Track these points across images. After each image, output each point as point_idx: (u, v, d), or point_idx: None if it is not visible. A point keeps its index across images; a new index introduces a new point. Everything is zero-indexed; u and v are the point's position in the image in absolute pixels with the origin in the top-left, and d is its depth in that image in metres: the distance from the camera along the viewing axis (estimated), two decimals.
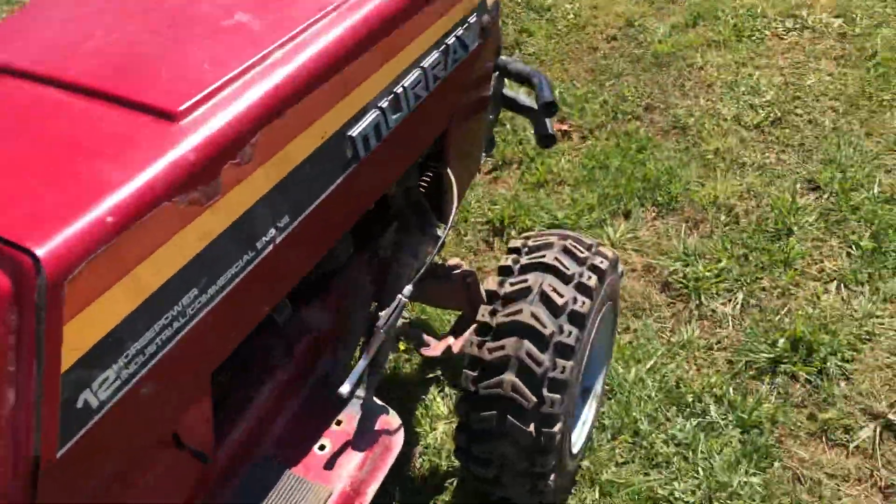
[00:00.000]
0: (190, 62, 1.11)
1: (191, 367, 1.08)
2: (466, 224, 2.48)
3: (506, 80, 1.77)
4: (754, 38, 3.23)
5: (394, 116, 1.29)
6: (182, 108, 1.03)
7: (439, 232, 1.57)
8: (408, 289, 1.36)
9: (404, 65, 1.30)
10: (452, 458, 1.84)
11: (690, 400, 1.97)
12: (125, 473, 1.06)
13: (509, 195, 2.56)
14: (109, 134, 1.01)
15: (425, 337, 1.75)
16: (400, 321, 1.36)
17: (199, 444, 1.20)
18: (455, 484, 1.84)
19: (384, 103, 1.26)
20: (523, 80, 1.73)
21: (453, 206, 1.55)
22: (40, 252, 0.85)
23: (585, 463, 1.85)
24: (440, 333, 2.02)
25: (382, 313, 1.35)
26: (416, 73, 1.32)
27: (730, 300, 2.21)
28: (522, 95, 1.85)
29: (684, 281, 2.26)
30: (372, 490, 1.35)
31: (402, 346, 2.07)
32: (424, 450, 1.91)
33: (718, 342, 2.11)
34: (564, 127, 2.83)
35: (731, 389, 1.99)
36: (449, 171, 1.56)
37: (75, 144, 1.00)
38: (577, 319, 1.50)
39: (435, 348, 1.71)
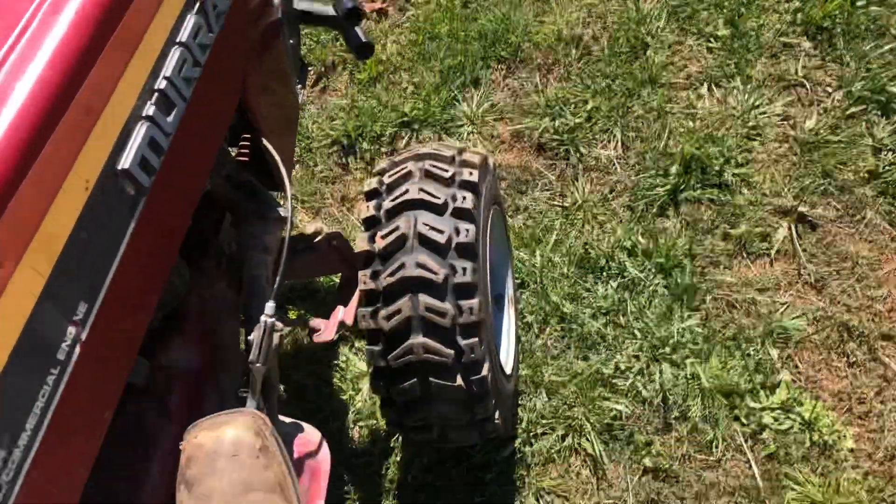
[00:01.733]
0: None
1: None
2: (312, 153, 2.22)
3: None
4: None
5: (169, 119, 1.01)
6: None
7: (281, 211, 1.33)
8: (269, 306, 1.13)
9: (156, 50, 1.01)
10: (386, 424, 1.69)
11: (604, 262, 1.85)
12: None
13: (345, 104, 2.29)
14: None
15: (313, 321, 1.54)
16: (276, 337, 1.14)
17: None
18: (400, 440, 1.71)
19: (150, 109, 0.98)
20: None
21: (283, 174, 1.30)
22: None
23: (524, 370, 1.73)
24: (327, 294, 1.82)
25: (252, 339, 1.13)
26: (176, 54, 1.03)
27: (609, 141, 2.07)
28: (317, 4, 1.57)
29: (558, 136, 2.09)
30: None
31: (292, 314, 1.86)
32: (357, 416, 1.76)
33: (612, 191, 1.98)
34: (377, 5, 2.53)
35: (640, 237, 1.88)
36: (265, 138, 1.30)
37: None
38: (467, 251, 1.32)
39: (327, 329, 1.51)
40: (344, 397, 1.79)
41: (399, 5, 2.53)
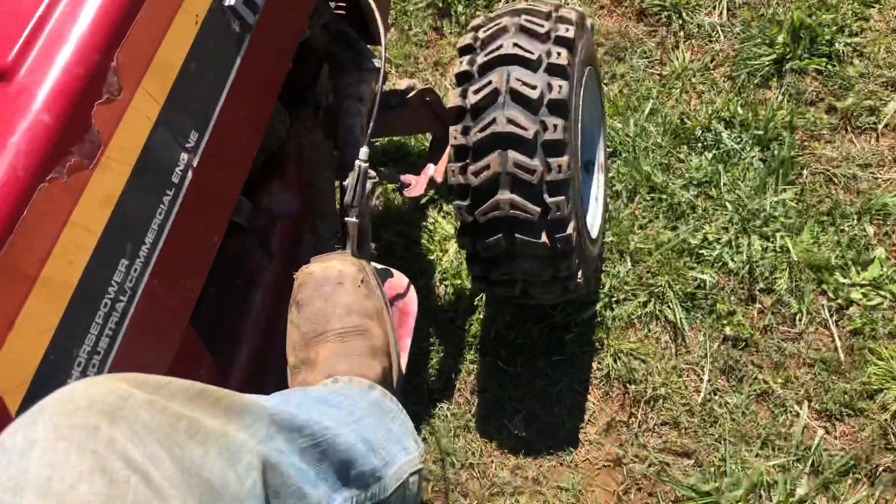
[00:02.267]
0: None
1: (160, 331, 0.95)
2: (407, 16, 2.21)
3: None
4: None
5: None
6: (10, 58, 0.81)
7: (376, 62, 1.36)
8: (364, 151, 1.17)
9: None
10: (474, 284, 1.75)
11: (700, 133, 1.82)
12: None
13: None
14: None
15: (403, 177, 1.59)
16: (369, 184, 1.19)
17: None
18: (484, 299, 1.77)
19: None
20: None
21: (379, 25, 1.32)
22: None
23: (609, 237, 1.75)
24: (419, 155, 1.85)
25: (347, 183, 1.18)
26: None
27: (714, 7, 1.98)
28: None
29: (660, 2, 2.01)
30: (403, 359, 1.26)
31: (391, 186, 1.92)
32: (443, 275, 1.82)
33: (713, 59, 1.92)
34: None
35: (739, 108, 1.82)
36: None
37: None
38: (559, 108, 1.32)
39: (417, 185, 1.55)
40: (431, 257, 1.86)
41: None
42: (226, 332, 1.23)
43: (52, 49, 0.82)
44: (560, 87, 1.32)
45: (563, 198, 1.32)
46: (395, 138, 1.98)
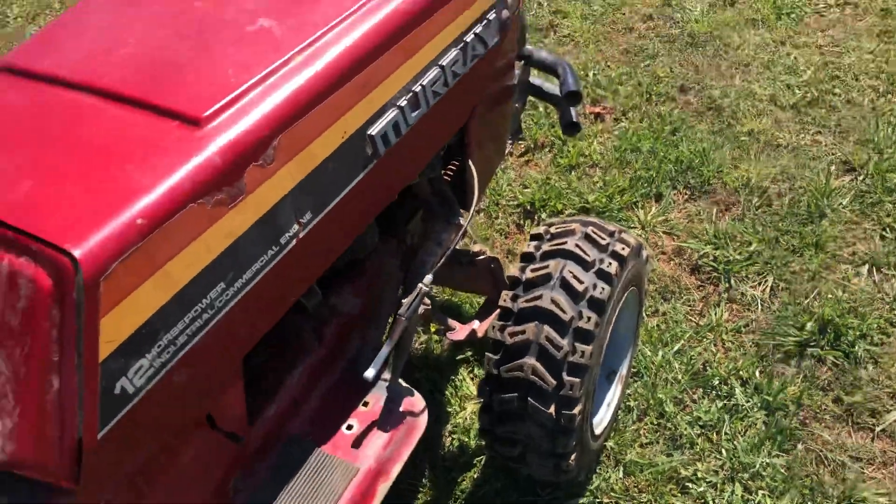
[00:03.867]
0: (216, 67, 1.18)
1: (221, 354, 1.16)
2: (498, 207, 2.53)
3: (532, 68, 1.81)
4: (794, 15, 3.18)
5: (413, 114, 1.33)
6: (206, 113, 1.09)
7: (462, 220, 1.62)
8: (428, 277, 1.41)
9: (423, 64, 1.34)
10: (479, 438, 1.90)
11: (716, 382, 2.00)
12: (162, 453, 1.15)
13: (541, 178, 2.59)
14: (139, 139, 1.08)
15: (451, 321, 1.81)
16: (422, 308, 1.42)
17: (232, 425, 1.28)
18: (483, 462, 1.91)
19: (403, 102, 1.31)
20: (549, 69, 1.76)
21: (475, 196, 1.59)
22: (77, 253, 0.93)
23: (610, 443, 1.89)
24: (469, 316, 2.07)
25: (405, 300, 1.41)
26: (434, 72, 1.36)
27: (759, 283, 2.22)
28: (548, 83, 1.88)
29: (714, 264, 2.27)
30: (396, 469, 1.42)
31: (433, 328, 2.14)
32: (454, 429, 1.98)
33: (747, 325, 2.13)
34: (598, 109, 2.84)
35: (757, 372, 2.01)
36: (471, 161, 1.60)
37: (107, 150, 1.07)
38: (597, 305, 1.54)
39: (460, 332, 1.77)
40: (449, 409, 2.02)
41: (616, 116, 2.83)
42: (262, 387, 1.42)
43: (240, 116, 1.10)
44: (603, 289, 1.55)
45: (578, 380, 1.51)
46: (452, 296, 2.22)
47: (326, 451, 1.41)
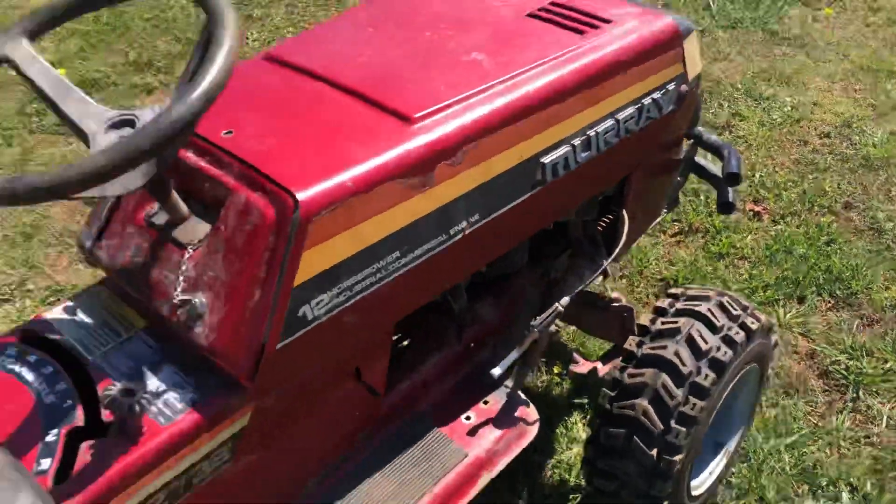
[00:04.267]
0: (430, 82, 1.42)
1: (381, 312, 1.37)
2: (641, 277, 2.65)
3: (700, 149, 1.96)
4: None
5: (583, 154, 1.53)
6: (417, 115, 1.33)
7: (605, 264, 1.78)
8: (565, 299, 1.58)
9: (601, 114, 1.54)
10: (580, 477, 2.01)
11: (824, 483, 2.01)
12: (319, 380, 1.36)
13: (688, 259, 2.70)
14: (361, 125, 1.34)
15: (576, 355, 1.95)
16: (553, 327, 1.58)
17: (373, 383, 1.48)
18: (579, 500, 2.01)
19: (576, 141, 1.51)
20: (715, 150, 1.91)
21: (621, 243, 1.75)
22: (299, 196, 1.18)
23: None
24: (592, 359, 2.20)
25: (539, 317, 1.58)
26: (609, 122, 1.55)
27: (889, 401, 2.21)
28: (711, 165, 2.02)
29: (845, 373, 2.29)
30: (502, 463, 1.56)
31: (556, 370, 2.27)
32: (558, 464, 2.10)
33: (867, 437, 2.13)
34: (758, 208, 2.92)
35: (869, 484, 2.00)
36: (625, 212, 1.77)
37: (335, 127, 1.33)
38: (717, 366, 1.65)
39: (583, 366, 1.91)
40: (556, 446, 2.14)
41: (774, 217, 2.90)
42: (401, 365, 1.61)
43: (442, 122, 1.33)
44: (726, 353, 1.65)
45: (685, 430, 1.61)
46: (583, 339, 2.35)
47: (444, 432, 1.58)
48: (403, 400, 1.61)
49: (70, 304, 1.41)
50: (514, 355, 1.57)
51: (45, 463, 1.14)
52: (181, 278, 1.26)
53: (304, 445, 1.42)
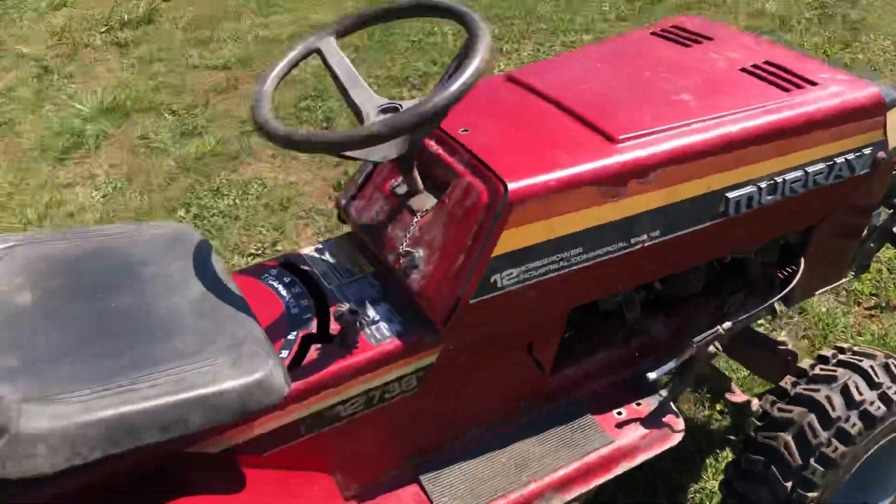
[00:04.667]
0: (639, 113, 1.66)
1: (557, 296, 1.61)
2: (825, 341, 2.67)
3: None
4: None
5: (767, 197, 1.69)
6: (621, 137, 1.58)
7: (777, 305, 1.90)
8: (727, 324, 1.73)
9: (790, 164, 1.69)
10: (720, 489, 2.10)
11: None
12: (497, 343, 1.63)
13: (879, 333, 2.68)
14: (571, 138, 1.60)
15: (733, 385, 2.07)
16: (712, 348, 1.73)
17: (542, 359, 1.73)
18: None
19: (763, 184, 1.67)
20: None
21: (793, 283, 1.86)
22: (510, 186, 1.46)
23: None
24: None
25: (702, 335, 1.74)
26: (798, 173, 1.70)
27: None
28: None
29: None
30: (641, 457, 1.74)
31: (718, 406, 2.39)
32: (700, 489, 2.21)
33: None
34: None
35: None
36: (803, 261, 1.88)
37: (552, 139, 1.61)
38: (868, 418, 1.72)
39: (738, 396, 2.03)
40: (703, 475, 2.26)
41: None
42: (569, 354, 1.84)
43: (642, 146, 1.56)
44: (879, 408, 1.73)
45: (823, 469, 1.71)
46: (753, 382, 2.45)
47: (596, 420, 1.79)
48: (566, 384, 1.83)
49: (320, 246, 1.79)
50: (671, 364, 1.75)
51: (284, 353, 1.50)
52: (408, 236, 1.58)
53: (475, 396, 1.69)
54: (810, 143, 1.70)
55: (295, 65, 1.61)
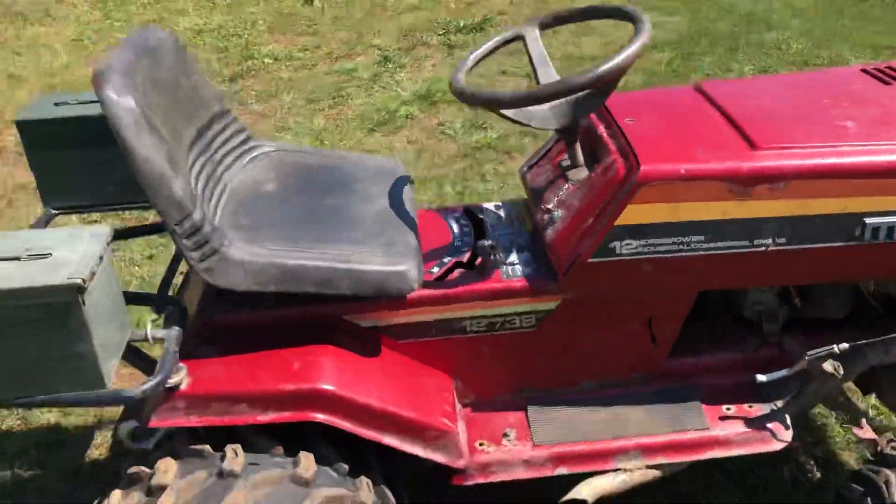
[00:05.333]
0: (794, 129, 1.78)
1: (676, 276, 1.78)
2: None
3: None
4: None
5: None
6: (764, 144, 1.72)
7: None
8: (844, 345, 1.76)
9: None
10: None
11: None
12: (615, 307, 1.85)
13: None
14: (720, 141, 1.77)
15: (864, 421, 2.03)
16: (830, 367, 1.77)
17: (659, 337, 1.90)
18: None
19: None
20: None
21: None
22: (643, 167, 1.69)
23: None
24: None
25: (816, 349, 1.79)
26: None
27: None
28: None
29: None
30: (735, 451, 1.85)
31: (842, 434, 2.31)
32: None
33: None
34: None
35: None
36: None
37: (702, 137, 1.80)
38: None
39: (866, 432, 1.99)
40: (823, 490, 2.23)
41: None
42: (693, 344, 1.98)
43: (781, 157, 1.69)
44: None
45: None
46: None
47: (702, 407, 1.91)
48: (685, 370, 1.98)
49: (499, 203, 2.15)
50: (782, 373, 1.83)
51: (435, 269, 1.88)
52: (556, 199, 1.88)
53: (590, 351, 1.92)
54: None
55: (502, 45, 1.98)
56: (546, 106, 1.82)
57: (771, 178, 1.69)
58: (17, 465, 2.60)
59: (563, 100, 1.80)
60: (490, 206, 2.15)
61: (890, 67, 2.05)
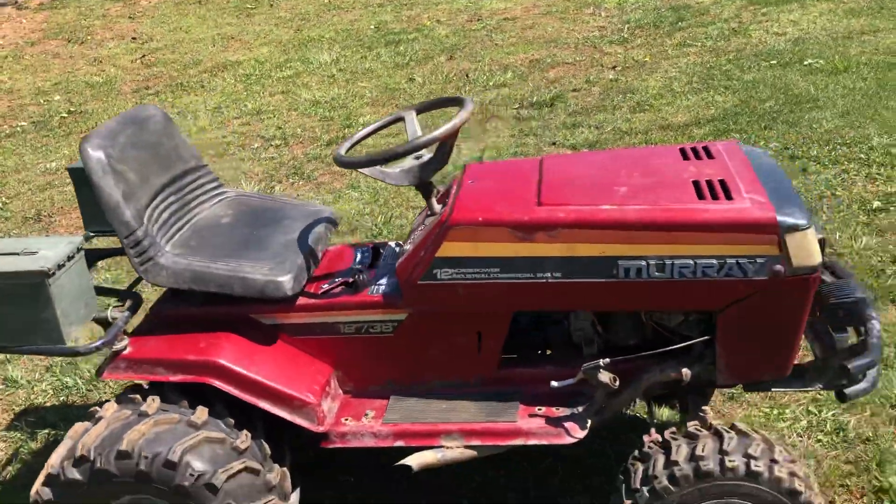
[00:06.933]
0: (579, 192, 2.32)
1: (485, 299, 2.33)
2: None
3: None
4: None
5: (655, 272, 2.18)
6: (547, 201, 2.28)
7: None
8: (607, 360, 2.24)
9: (680, 252, 2.16)
10: None
11: None
12: (449, 323, 2.42)
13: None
14: (523, 197, 2.34)
15: (652, 430, 2.44)
16: (606, 377, 2.24)
17: (487, 348, 2.45)
18: None
19: (653, 261, 2.18)
20: (846, 321, 2.21)
21: (717, 370, 2.26)
22: (454, 214, 2.30)
23: None
24: None
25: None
26: (687, 261, 2.16)
27: None
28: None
29: None
30: (533, 441, 2.35)
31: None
32: None
33: None
34: None
35: None
36: (717, 344, 2.26)
37: (512, 194, 2.37)
38: (699, 473, 2.08)
39: (651, 437, 2.40)
40: None
41: None
42: (518, 357, 2.50)
43: (559, 212, 2.24)
44: (711, 467, 2.08)
45: (649, 497, 2.12)
46: None
47: (519, 405, 2.42)
48: (514, 379, 2.50)
49: (400, 242, 2.79)
50: (569, 381, 2.32)
51: (325, 286, 2.55)
52: (412, 237, 2.51)
53: (436, 357, 2.50)
54: (701, 240, 2.14)
55: (382, 128, 2.67)
56: (398, 168, 2.46)
57: (546, 227, 2.23)
58: None
59: (413, 163, 2.44)
60: (392, 243, 2.80)
61: (704, 147, 2.52)
